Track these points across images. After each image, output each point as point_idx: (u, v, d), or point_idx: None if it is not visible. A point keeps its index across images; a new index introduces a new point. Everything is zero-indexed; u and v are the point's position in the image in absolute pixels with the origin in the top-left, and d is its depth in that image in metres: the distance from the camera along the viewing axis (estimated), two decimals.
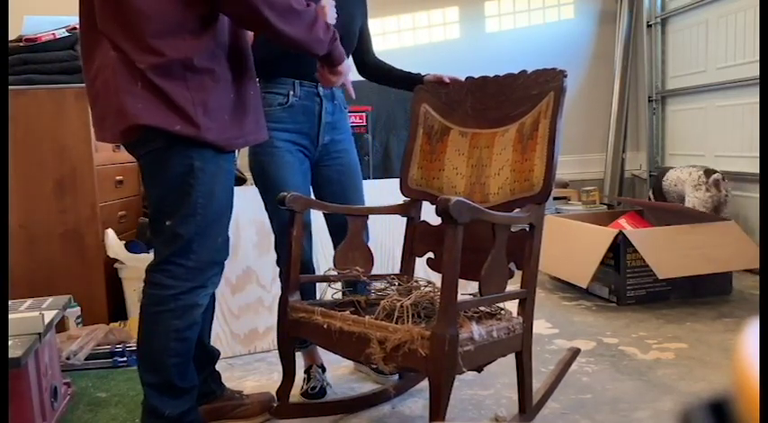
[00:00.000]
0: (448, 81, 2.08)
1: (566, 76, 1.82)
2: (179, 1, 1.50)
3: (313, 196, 2.10)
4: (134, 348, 2.52)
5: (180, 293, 1.62)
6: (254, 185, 2.08)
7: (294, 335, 1.85)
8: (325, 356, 2.17)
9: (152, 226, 1.67)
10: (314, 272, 2.09)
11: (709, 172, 3.51)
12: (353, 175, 2.15)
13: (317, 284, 2.15)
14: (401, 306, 1.65)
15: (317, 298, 2.09)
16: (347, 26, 2.04)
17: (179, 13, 1.50)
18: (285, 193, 1.81)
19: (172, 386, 1.66)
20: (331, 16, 1.79)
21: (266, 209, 2.05)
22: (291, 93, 2.01)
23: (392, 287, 1.96)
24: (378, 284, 2.02)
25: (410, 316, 1.63)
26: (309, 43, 1.62)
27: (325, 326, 1.68)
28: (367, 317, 1.65)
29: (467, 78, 2.06)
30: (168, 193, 1.60)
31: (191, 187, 1.58)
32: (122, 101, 1.50)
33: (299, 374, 2.03)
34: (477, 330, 1.56)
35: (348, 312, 1.74)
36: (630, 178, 4.91)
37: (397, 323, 1.58)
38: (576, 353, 2.16)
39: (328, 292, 2.28)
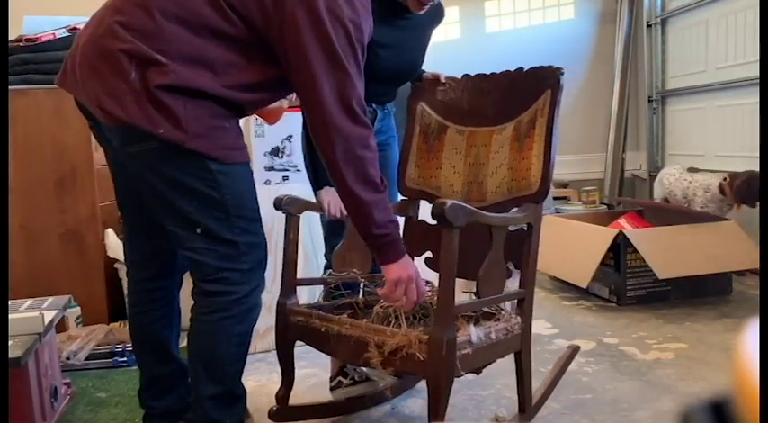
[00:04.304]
0: (444, 80, 2.07)
1: (562, 74, 1.81)
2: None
3: None
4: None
5: (242, 297, 1.54)
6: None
7: (292, 338, 1.84)
8: (325, 358, 2.16)
9: (181, 237, 1.53)
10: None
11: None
12: (390, 168, 2.10)
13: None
14: (393, 311, 1.65)
15: (315, 300, 2.07)
16: (415, 64, 2.04)
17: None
18: (282, 196, 1.80)
19: (231, 395, 1.60)
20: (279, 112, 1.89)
21: None
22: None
23: None
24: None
25: (405, 318, 1.63)
26: (368, 206, 1.53)
27: (322, 329, 1.68)
28: (365, 320, 1.64)
29: (463, 76, 2.05)
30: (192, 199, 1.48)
31: (214, 189, 1.47)
32: (114, 85, 1.40)
33: (300, 375, 2.02)
34: (475, 333, 1.56)
35: (346, 315, 1.73)
36: (630, 178, 4.91)
37: (394, 323, 1.58)
38: (575, 350, 2.15)
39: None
